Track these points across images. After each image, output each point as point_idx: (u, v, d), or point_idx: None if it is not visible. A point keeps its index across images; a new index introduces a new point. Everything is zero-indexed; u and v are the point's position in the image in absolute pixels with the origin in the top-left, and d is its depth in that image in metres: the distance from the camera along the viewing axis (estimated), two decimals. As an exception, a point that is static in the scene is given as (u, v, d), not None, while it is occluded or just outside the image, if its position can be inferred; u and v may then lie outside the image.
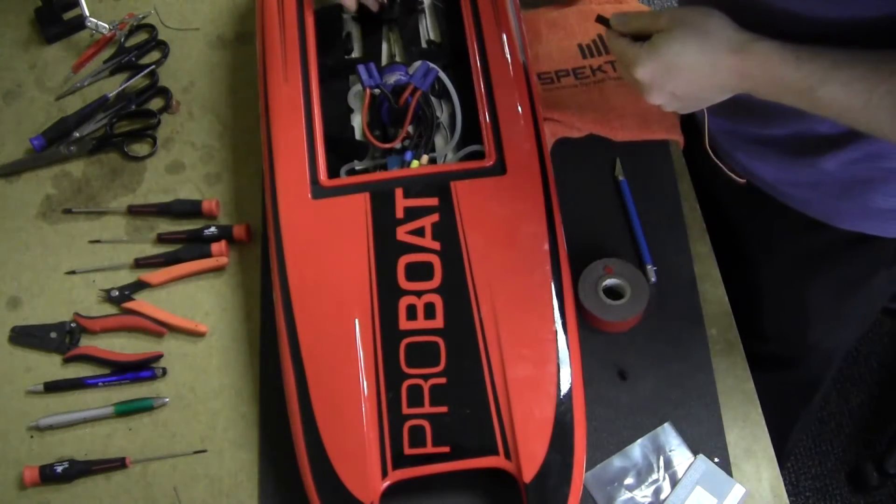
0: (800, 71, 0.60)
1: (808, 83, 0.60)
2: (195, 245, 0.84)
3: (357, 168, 0.81)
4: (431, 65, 0.81)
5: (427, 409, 0.69)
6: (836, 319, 0.92)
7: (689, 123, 0.88)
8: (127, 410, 0.76)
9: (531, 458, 0.67)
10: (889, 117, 0.59)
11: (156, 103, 0.93)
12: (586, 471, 0.70)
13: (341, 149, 0.82)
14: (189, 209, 0.85)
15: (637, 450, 0.73)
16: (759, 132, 0.77)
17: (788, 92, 0.62)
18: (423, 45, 0.88)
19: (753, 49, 0.62)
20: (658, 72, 0.65)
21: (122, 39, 0.97)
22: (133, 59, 0.96)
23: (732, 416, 0.75)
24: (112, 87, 0.94)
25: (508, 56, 0.82)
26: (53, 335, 0.80)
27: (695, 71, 0.64)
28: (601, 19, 0.70)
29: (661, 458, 0.73)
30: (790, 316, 0.93)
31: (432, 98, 0.83)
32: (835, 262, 0.85)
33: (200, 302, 0.82)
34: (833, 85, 0.60)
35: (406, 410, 0.69)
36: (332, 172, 0.79)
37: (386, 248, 0.73)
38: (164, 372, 0.79)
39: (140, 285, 0.82)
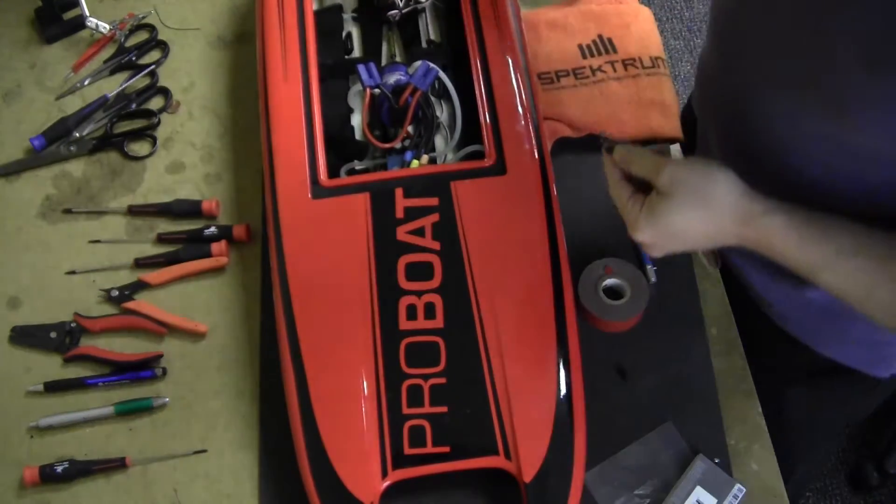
0: (803, 254, 0.58)
1: (810, 267, 0.59)
2: (195, 245, 0.84)
3: (357, 168, 0.81)
4: (431, 65, 0.81)
5: (427, 409, 0.69)
6: (799, 431, 0.88)
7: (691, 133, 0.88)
8: (127, 410, 0.76)
9: (531, 458, 0.67)
10: (887, 316, 0.58)
11: (156, 103, 0.93)
12: (586, 471, 0.70)
13: (341, 149, 0.82)
14: (189, 209, 0.85)
15: (637, 450, 0.73)
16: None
17: (789, 266, 0.60)
18: (423, 45, 0.88)
19: (758, 224, 0.59)
20: (658, 237, 0.63)
21: (122, 39, 0.97)
22: (133, 58, 0.96)
23: (732, 416, 0.75)
24: (112, 86, 0.94)
25: (508, 56, 0.82)
26: (53, 335, 0.80)
27: (696, 237, 0.62)
28: (608, 146, 0.67)
29: (661, 458, 0.73)
30: None
31: (432, 98, 0.83)
32: (808, 383, 0.82)
33: (200, 302, 0.82)
34: (835, 273, 0.58)
35: (406, 410, 0.69)
36: (332, 172, 0.79)
37: (386, 248, 0.73)
38: (164, 372, 0.79)
39: (140, 285, 0.82)
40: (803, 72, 0.57)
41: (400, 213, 0.75)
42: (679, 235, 0.62)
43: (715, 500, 0.70)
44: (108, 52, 0.97)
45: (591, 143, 0.88)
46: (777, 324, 0.79)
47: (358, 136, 0.84)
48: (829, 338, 0.76)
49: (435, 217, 0.74)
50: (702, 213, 0.60)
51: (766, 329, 0.79)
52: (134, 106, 0.92)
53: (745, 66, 0.64)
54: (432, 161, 0.80)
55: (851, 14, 0.51)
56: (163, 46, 0.97)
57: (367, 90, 0.81)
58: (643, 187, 0.63)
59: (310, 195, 0.75)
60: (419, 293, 0.72)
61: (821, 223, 0.58)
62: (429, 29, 0.90)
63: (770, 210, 0.58)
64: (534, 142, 0.78)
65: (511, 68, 0.81)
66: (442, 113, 0.84)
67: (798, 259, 0.59)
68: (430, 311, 0.71)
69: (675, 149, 0.89)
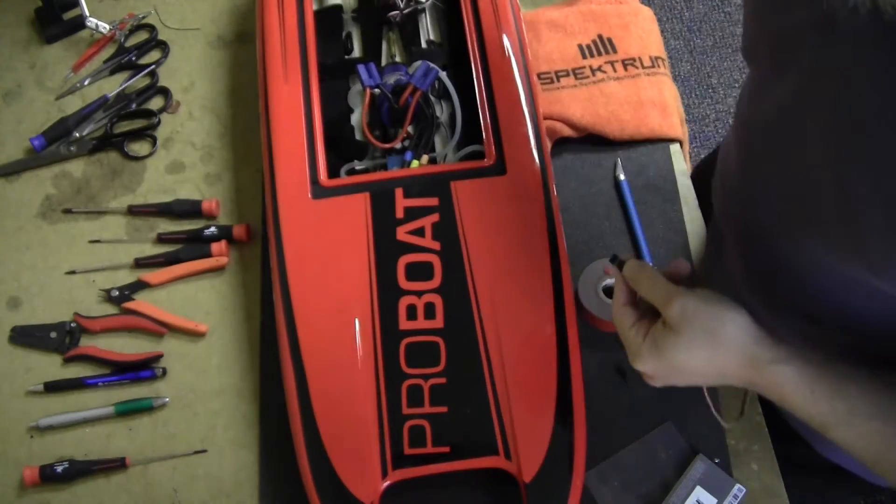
0: (814, 409, 0.55)
1: (820, 422, 0.55)
2: (195, 245, 0.84)
3: (357, 168, 0.81)
4: (431, 65, 0.81)
5: (427, 409, 0.69)
6: None
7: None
8: (127, 410, 0.77)
9: (531, 458, 0.67)
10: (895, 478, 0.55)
11: (156, 103, 0.93)
12: (586, 471, 0.70)
13: (341, 149, 0.82)
14: (189, 209, 0.85)
15: (637, 450, 0.73)
16: None
17: (798, 416, 0.57)
18: (423, 45, 0.88)
19: (767, 372, 0.56)
20: (660, 371, 0.60)
21: (122, 39, 0.96)
22: (133, 58, 0.96)
23: (733, 417, 0.75)
24: (112, 86, 0.94)
25: (509, 56, 0.82)
26: (53, 335, 0.80)
27: (701, 375, 0.59)
28: (619, 261, 0.64)
29: (661, 458, 0.73)
30: None
31: (432, 98, 0.83)
32: (810, 477, 0.80)
33: (200, 302, 0.82)
34: (846, 432, 0.55)
35: (406, 410, 0.69)
36: (332, 172, 0.79)
37: (386, 248, 0.73)
38: (164, 372, 0.79)
39: (140, 285, 0.82)
40: (825, 216, 0.53)
41: (400, 213, 0.75)
42: (683, 372, 0.59)
43: (715, 500, 0.70)
44: (108, 52, 0.97)
45: (592, 143, 0.88)
46: (783, 417, 0.77)
47: (358, 136, 0.84)
48: (835, 446, 0.75)
49: (435, 217, 0.74)
50: (709, 354, 0.57)
51: (773, 421, 0.77)
52: (134, 106, 0.92)
53: (768, 191, 0.61)
54: (432, 161, 0.80)
55: (872, 174, 0.48)
56: (163, 46, 0.97)
57: (367, 90, 0.81)
58: (648, 311, 0.61)
59: (310, 195, 0.75)
60: (419, 293, 0.72)
61: (834, 377, 0.55)
62: (429, 29, 0.89)
63: (781, 359, 0.55)
64: (534, 142, 0.78)
65: (511, 68, 0.81)
66: (442, 113, 0.84)
67: (809, 413, 0.56)
68: (430, 311, 0.71)
69: (676, 149, 0.89)
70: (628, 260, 0.63)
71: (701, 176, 0.88)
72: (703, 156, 1.98)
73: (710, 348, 0.56)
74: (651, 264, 0.79)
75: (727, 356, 0.56)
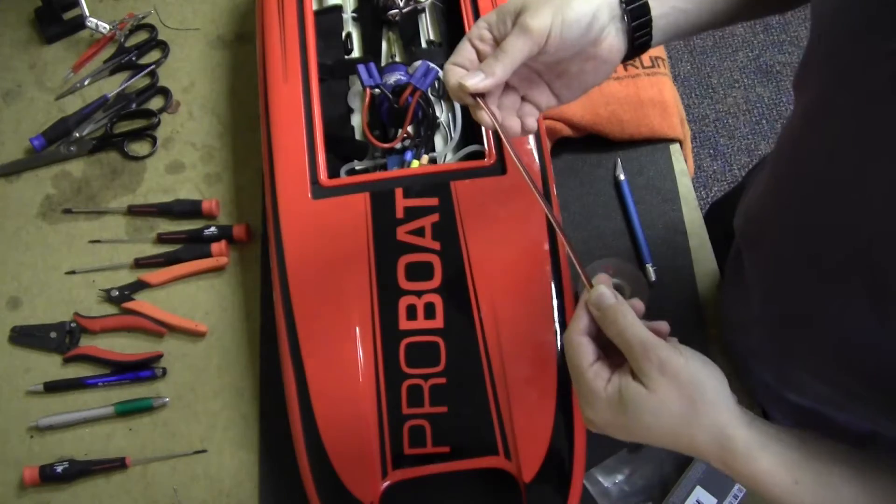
0: (794, 498, 0.49)
1: None
2: (195, 245, 0.84)
3: (357, 168, 0.81)
4: (431, 65, 0.81)
5: (427, 409, 0.69)
6: None
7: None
8: (127, 410, 0.77)
9: (531, 458, 0.67)
10: None
11: (156, 103, 0.93)
12: (586, 471, 0.70)
13: (341, 149, 0.82)
14: (189, 209, 0.85)
15: (637, 449, 0.73)
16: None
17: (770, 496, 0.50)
18: (423, 45, 0.88)
19: (741, 463, 0.49)
20: (614, 425, 0.51)
21: (122, 39, 0.97)
22: (133, 58, 0.96)
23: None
24: (112, 86, 0.94)
25: (508, 56, 0.82)
26: (53, 335, 0.80)
27: (660, 441, 0.51)
28: (585, 282, 0.52)
29: (662, 458, 0.73)
30: None
31: (432, 98, 0.83)
32: None
33: (200, 302, 0.82)
34: None
35: (406, 410, 0.69)
36: (332, 172, 0.79)
37: (386, 248, 0.73)
38: (164, 372, 0.79)
39: (140, 285, 0.82)
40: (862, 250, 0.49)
41: (400, 213, 0.75)
42: (640, 434, 0.51)
43: (715, 500, 0.70)
44: (108, 52, 0.97)
45: (592, 143, 0.88)
46: (783, 417, 0.76)
47: (358, 136, 0.84)
48: None
49: (435, 217, 0.74)
50: (679, 425, 0.49)
51: (774, 420, 0.74)
52: (134, 106, 0.92)
53: (813, 224, 0.55)
54: (432, 161, 0.80)
55: None
56: (163, 46, 0.97)
57: (367, 90, 0.81)
58: (610, 349, 0.51)
59: (310, 195, 0.75)
60: (419, 293, 0.72)
61: (817, 462, 0.49)
62: (429, 29, 0.89)
63: (757, 446, 0.49)
64: (534, 142, 0.78)
65: (511, 68, 0.81)
66: (442, 113, 0.84)
67: (788, 502, 0.49)
68: (430, 311, 0.71)
69: (676, 149, 0.89)
70: (597, 285, 0.51)
71: (715, 214, 0.87)
72: (703, 156, 1.98)
73: (683, 420, 0.49)
74: (649, 263, 0.77)
75: (699, 433, 0.49)
